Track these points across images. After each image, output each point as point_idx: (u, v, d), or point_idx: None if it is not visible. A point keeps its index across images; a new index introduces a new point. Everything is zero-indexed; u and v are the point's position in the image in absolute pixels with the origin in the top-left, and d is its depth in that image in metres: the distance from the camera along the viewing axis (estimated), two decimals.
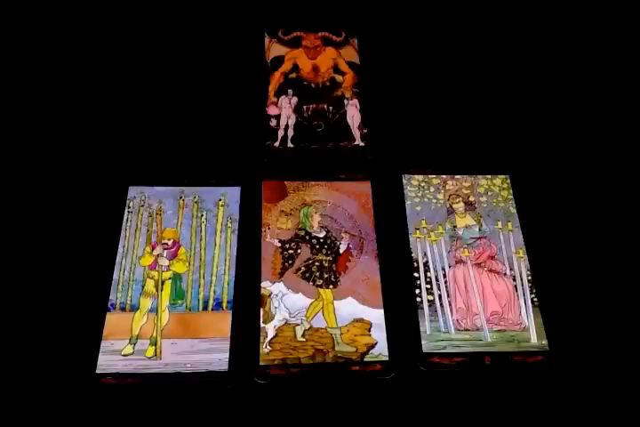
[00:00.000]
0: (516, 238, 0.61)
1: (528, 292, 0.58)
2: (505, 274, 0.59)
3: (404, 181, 0.64)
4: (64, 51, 0.71)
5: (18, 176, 0.62)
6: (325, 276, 0.58)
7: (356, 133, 0.67)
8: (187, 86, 0.69)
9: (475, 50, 0.74)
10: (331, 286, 0.57)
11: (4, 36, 0.72)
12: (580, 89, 0.72)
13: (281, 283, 0.57)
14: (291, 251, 0.59)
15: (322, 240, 0.60)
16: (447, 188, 0.64)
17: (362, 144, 0.66)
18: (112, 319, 0.54)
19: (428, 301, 0.57)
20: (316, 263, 0.59)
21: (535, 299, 0.58)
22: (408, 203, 0.63)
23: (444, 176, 0.65)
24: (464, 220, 0.62)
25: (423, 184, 0.64)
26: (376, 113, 0.68)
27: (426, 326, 0.55)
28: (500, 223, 0.62)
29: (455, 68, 0.72)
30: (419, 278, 0.58)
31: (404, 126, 0.68)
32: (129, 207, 0.61)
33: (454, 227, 0.62)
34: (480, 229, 0.62)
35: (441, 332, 0.55)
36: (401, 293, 0.57)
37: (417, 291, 0.57)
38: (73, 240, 0.59)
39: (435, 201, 0.63)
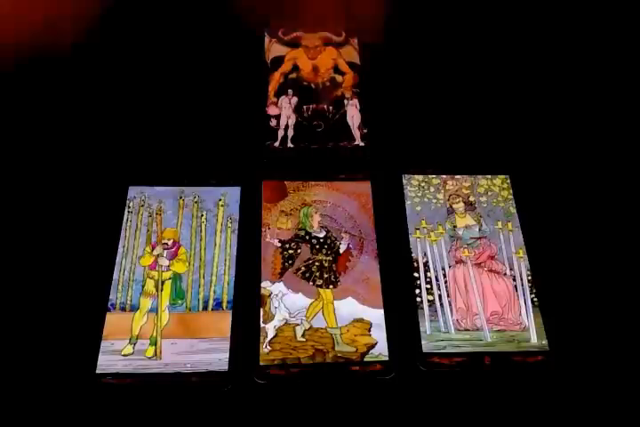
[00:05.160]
0: (516, 238, 0.61)
1: (528, 292, 0.58)
2: (505, 274, 0.59)
3: (404, 181, 0.64)
4: (64, 51, 0.71)
5: (18, 177, 0.62)
6: (325, 276, 0.58)
7: (356, 133, 0.67)
8: (187, 86, 0.69)
9: (475, 50, 0.74)
10: (331, 286, 0.57)
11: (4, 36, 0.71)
12: (579, 89, 0.72)
13: (281, 283, 0.57)
14: (291, 251, 0.59)
15: (322, 240, 0.60)
16: (447, 188, 0.64)
17: (362, 144, 0.66)
18: (112, 319, 0.54)
19: (428, 301, 0.57)
20: (316, 263, 0.59)
21: (535, 299, 0.57)
22: (408, 203, 0.62)
23: (444, 176, 0.65)
24: (464, 220, 0.62)
25: (423, 184, 0.64)
26: (376, 113, 0.68)
27: (426, 326, 0.55)
28: (500, 223, 0.62)
29: (455, 68, 0.72)
30: (419, 278, 0.58)
31: (404, 126, 0.67)
32: (129, 207, 0.61)
33: (454, 227, 0.62)
34: (480, 230, 0.62)
35: (441, 332, 0.55)
36: (401, 293, 0.57)
37: (417, 291, 0.57)
38: (73, 240, 0.59)
39: (435, 201, 0.63)
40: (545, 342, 0.55)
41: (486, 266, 0.59)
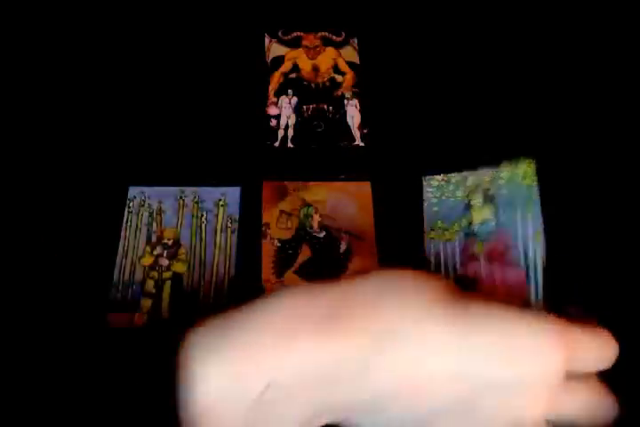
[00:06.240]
0: (535, 224, 0.56)
1: (541, 282, 0.53)
2: (519, 266, 0.55)
3: (424, 183, 0.61)
4: (63, 51, 0.72)
5: (17, 177, 0.65)
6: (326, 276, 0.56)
7: (356, 133, 0.66)
8: (186, 86, 0.70)
9: (476, 49, 0.71)
10: None
11: (3, 35, 0.74)
12: (585, 85, 0.68)
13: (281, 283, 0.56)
14: (291, 251, 0.58)
15: (322, 240, 0.59)
16: (467, 184, 0.61)
17: (362, 144, 0.65)
18: None
19: None
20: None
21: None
22: (425, 204, 0.60)
23: (465, 173, 0.62)
24: (480, 214, 0.59)
25: (442, 183, 0.62)
26: (376, 113, 0.67)
27: None
28: (518, 210, 0.58)
29: (456, 67, 0.70)
30: None
31: (405, 126, 0.65)
32: (129, 207, 0.61)
33: (469, 224, 0.58)
34: (496, 223, 0.58)
35: None
36: None
37: None
38: (72, 240, 0.59)
39: (453, 199, 0.60)
40: None
41: (499, 259, 0.56)
